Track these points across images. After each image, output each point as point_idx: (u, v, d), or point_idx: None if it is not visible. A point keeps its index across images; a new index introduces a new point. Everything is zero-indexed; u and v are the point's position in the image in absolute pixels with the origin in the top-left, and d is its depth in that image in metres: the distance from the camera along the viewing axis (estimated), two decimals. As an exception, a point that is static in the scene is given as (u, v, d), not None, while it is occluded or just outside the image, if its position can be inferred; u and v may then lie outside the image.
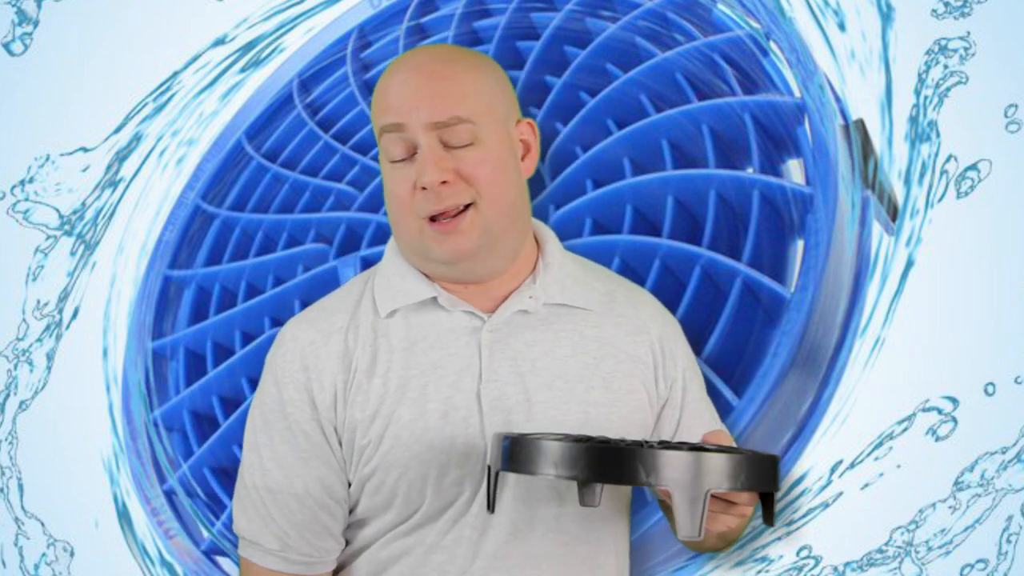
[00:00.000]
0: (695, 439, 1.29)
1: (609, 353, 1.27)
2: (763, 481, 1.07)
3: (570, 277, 1.30)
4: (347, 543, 1.28)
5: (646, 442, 1.10)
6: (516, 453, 1.06)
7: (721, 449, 1.10)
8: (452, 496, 1.21)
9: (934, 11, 1.64)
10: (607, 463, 1.03)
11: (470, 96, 1.21)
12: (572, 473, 1.03)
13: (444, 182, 1.19)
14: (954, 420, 1.60)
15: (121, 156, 2.13)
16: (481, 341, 1.23)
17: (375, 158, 2.11)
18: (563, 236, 1.44)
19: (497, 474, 1.12)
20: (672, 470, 1.02)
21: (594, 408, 1.25)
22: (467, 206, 1.20)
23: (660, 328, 1.33)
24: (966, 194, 1.62)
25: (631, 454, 1.02)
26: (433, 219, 1.20)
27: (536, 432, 1.17)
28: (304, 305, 2.02)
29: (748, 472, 1.05)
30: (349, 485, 1.25)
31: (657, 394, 1.31)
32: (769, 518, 1.11)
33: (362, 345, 1.23)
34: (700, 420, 1.34)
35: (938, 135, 1.64)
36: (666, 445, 1.10)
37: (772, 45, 1.74)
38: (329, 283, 1.99)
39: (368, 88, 2.21)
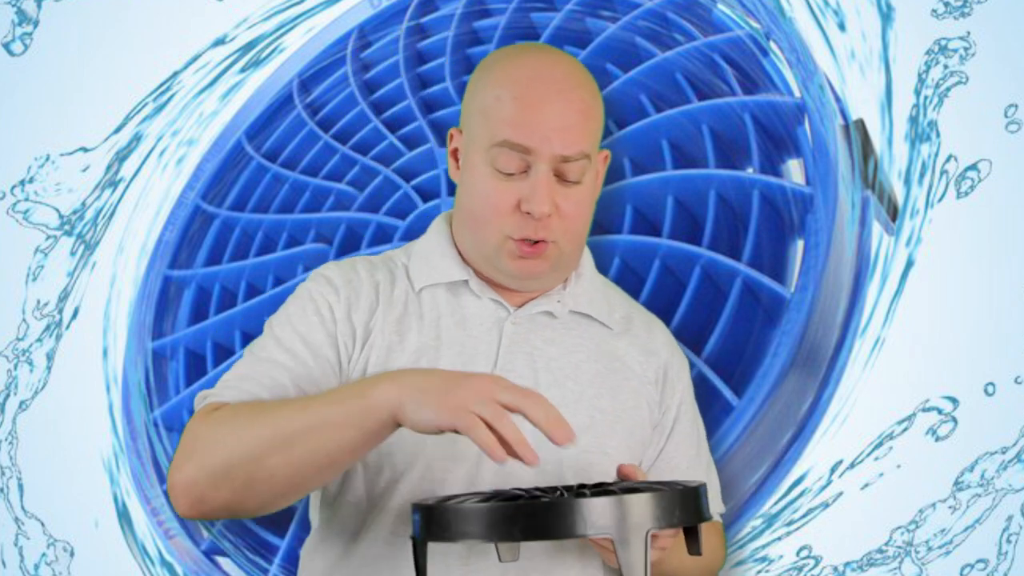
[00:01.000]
0: (673, 472, 1.32)
1: (619, 368, 1.30)
2: (693, 514, 1.02)
3: (598, 292, 1.33)
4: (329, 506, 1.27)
5: (568, 489, 1.06)
6: (431, 523, 1.01)
7: (647, 486, 1.05)
8: (441, 474, 1.20)
9: (934, 11, 1.64)
10: (530, 520, 0.97)
11: (593, 129, 1.22)
12: (496, 536, 0.97)
13: (548, 215, 1.20)
14: (954, 420, 1.60)
15: (121, 156, 2.13)
16: (503, 331, 1.25)
17: (375, 158, 2.11)
18: (563, 236, 1.44)
19: (423, 545, 1.05)
20: (599, 517, 0.97)
21: (600, 414, 1.26)
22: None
23: (668, 356, 1.35)
24: (966, 194, 1.62)
25: (553, 507, 0.96)
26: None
27: (448, 496, 1.12)
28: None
29: (681, 507, 1.00)
30: None
31: (656, 417, 1.33)
32: (695, 548, 1.07)
33: (392, 303, 1.25)
34: (683, 455, 1.35)
35: (938, 135, 1.64)
36: (591, 490, 1.05)
37: (772, 45, 1.74)
38: (329, 283, 1.99)
39: (368, 88, 2.21)
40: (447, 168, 1.32)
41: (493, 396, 1.01)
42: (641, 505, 0.98)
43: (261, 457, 1.08)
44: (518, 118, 1.19)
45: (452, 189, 1.96)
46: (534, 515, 0.96)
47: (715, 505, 1.38)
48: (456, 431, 1.01)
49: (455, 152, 1.28)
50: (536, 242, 1.21)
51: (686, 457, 1.36)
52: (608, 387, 1.28)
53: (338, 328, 1.23)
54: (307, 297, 1.25)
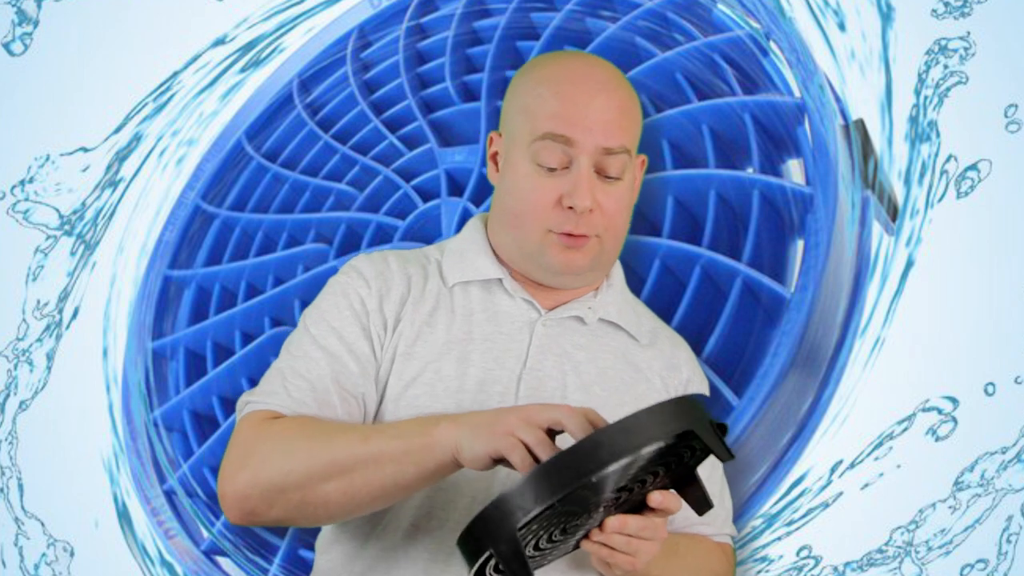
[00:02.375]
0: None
1: (643, 379, 1.31)
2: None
3: (628, 304, 1.35)
4: None
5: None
6: (493, 526, 0.96)
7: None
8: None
9: (934, 11, 1.64)
10: (605, 445, 0.95)
11: (633, 126, 1.24)
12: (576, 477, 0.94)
13: (591, 210, 1.21)
14: (954, 420, 1.60)
15: (121, 156, 2.13)
16: (534, 331, 1.26)
17: (375, 158, 2.11)
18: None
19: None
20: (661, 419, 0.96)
21: None
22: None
23: (690, 373, 1.37)
24: (966, 194, 1.62)
25: (622, 425, 0.96)
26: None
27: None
28: (304, 305, 2.02)
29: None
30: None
31: None
32: (701, 500, 1.06)
33: (424, 295, 1.26)
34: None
35: (938, 135, 1.64)
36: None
37: (772, 45, 1.74)
38: (329, 283, 1.99)
39: (368, 88, 2.21)
40: (485, 172, 1.32)
41: (532, 419, 1.03)
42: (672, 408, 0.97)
43: (317, 483, 1.10)
44: (561, 111, 1.21)
45: (452, 189, 1.96)
46: (605, 439, 0.95)
47: (727, 527, 1.39)
48: (503, 458, 1.03)
49: (495, 156, 1.29)
50: (579, 235, 1.22)
51: (703, 473, 1.36)
52: (632, 396, 1.29)
53: (371, 320, 1.23)
54: (339, 292, 1.26)
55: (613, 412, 1.25)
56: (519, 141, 1.24)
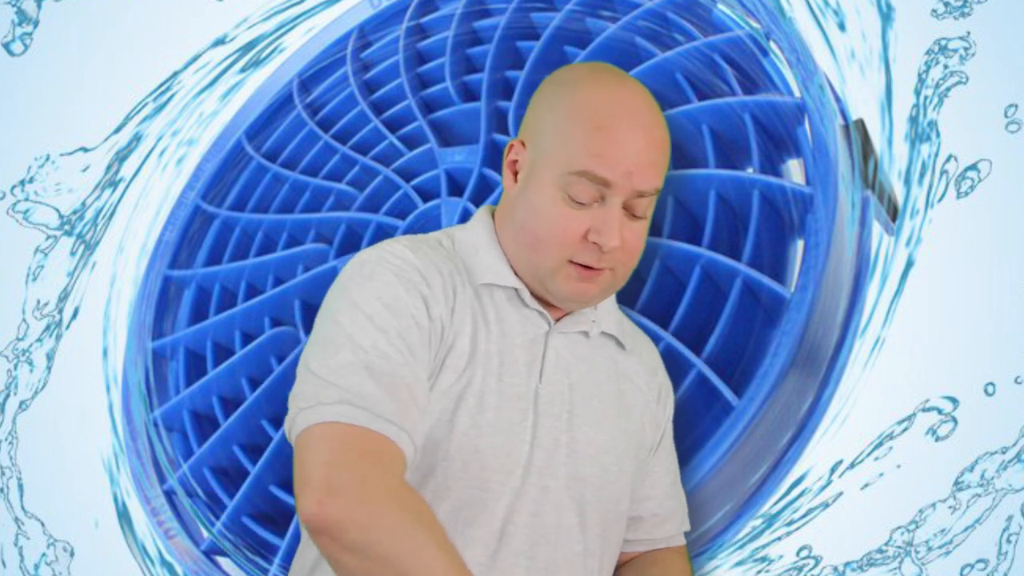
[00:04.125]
0: (654, 486, 1.36)
1: (630, 389, 1.32)
2: None
3: (618, 314, 1.35)
4: None
5: None
6: None
7: None
8: (490, 480, 1.19)
9: (934, 11, 1.64)
10: None
11: (665, 165, 1.22)
12: None
13: (617, 248, 1.20)
14: (954, 420, 1.60)
15: (121, 156, 2.13)
16: (548, 343, 1.25)
17: (375, 158, 2.11)
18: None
19: None
20: None
21: (621, 433, 1.29)
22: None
23: (663, 377, 1.38)
24: (966, 194, 1.62)
25: None
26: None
27: None
28: (304, 305, 2.03)
29: None
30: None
31: (655, 438, 1.36)
32: None
33: (456, 292, 1.21)
34: (664, 469, 1.39)
35: (938, 135, 1.64)
36: None
37: (772, 45, 1.73)
38: (329, 283, 1.99)
39: (368, 88, 2.21)
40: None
41: None
42: None
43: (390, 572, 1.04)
44: (602, 150, 1.17)
45: (452, 189, 1.96)
46: None
47: (684, 525, 1.41)
48: None
49: (513, 164, 1.25)
50: (597, 269, 1.20)
51: (668, 472, 1.39)
52: (624, 406, 1.30)
53: (431, 321, 1.17)
54: (398, 283, 1.16)
55: (612, 425, 1.27)
56: (551, 166, 1.20)
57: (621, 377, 1.31)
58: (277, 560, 1.85)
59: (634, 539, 1.37)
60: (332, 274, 1.98)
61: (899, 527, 1.62)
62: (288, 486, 1.87)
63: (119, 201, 2.14)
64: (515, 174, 1.25)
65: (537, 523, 1.21)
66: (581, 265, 1.20)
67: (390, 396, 1.10)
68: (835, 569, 1.64)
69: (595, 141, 1.18)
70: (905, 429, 1.61)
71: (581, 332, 1.28)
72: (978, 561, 1.60)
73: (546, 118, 1.23)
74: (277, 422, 1.92)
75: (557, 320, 1.27)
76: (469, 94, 2.05)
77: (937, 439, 1.61)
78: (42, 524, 2.05)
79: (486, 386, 1.20)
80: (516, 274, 1.25)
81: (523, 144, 1.25)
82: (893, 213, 1.65)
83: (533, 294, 1.25)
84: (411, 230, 1.96)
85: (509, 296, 1.25)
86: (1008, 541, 1.59)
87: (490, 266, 1.25)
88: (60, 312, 2.10)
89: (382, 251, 1.20)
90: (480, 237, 1.27)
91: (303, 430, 1.09)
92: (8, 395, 2.09)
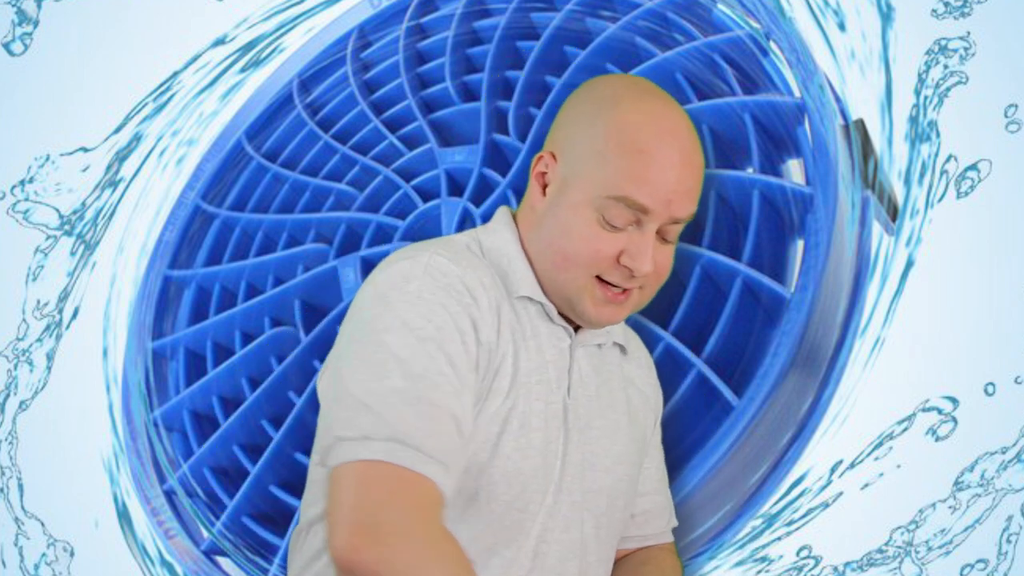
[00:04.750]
0: (644, 483, 1.36)
1: (635, 394, 1.33)
2: None
3: (622, 322, 1.33)
4: None
5: None
6: None
7: None
8: (530, 502, 1.17)
9: (934, 11, 1.64)
10: None
11: (699, 195, 1.20)
12: None
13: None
14: (954, 420, 1.60)
15: (121, 156, 2.13)
16: (573, 356, 1.24)
17: (375, 158, 2.11)
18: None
19: None
20: None
21: (633, 443, 1.29)
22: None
23: (656, 377, 1.40)
24: (966, 194, 1.62)
25: None
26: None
27: None
28: (304, 305, 2.03)
29: None
30: None
31: (652, 439, 1.37)
32: None
33: (506, 316, 1.17)
34: (655, 466, 1.40)
35: (938, 135, 1.64)
36: None
37: (772, 45, 1.74)
38: (329, 283, 1.99)
39: (368, 88, 2.21)
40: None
41: None
42: None
43: None
44: (644, 177, 1.14)
45: (453, 189, 1.96)
46: None
47: (672, 521, 1.42)
48: None
49: (542, 176, 1.21)
50: (625, 290, 1.19)
51: (658, 468, 1.40)
52: (632, 414, 1.31)
53: (479, 351, 1.13)
54: (450, 308, 1.11)
55: (625, 435, 1.27)
56: (585, 187, 1.16)
57: (629, 384, 1.32)
58: (277, 560, 1.85)
59: (626, 536, 1.37)
60: (332, 274, 1.99)
61: (899, 527, 1.62)
62: (288, 486, 1.88)
63: (119, 201, 2.14)
64: (543, 187, 1.21)
65: (567, 538, 1.20)
66: (608, 283, 1.18)
67: (439, 431, 1.05)
68: (835, 569, 1.64)
69: (636, 167, 1.15)
70: (905, 429, 1.61)
71: (596, 344, 1.28)
72: (978, 561, 1.60)
73: (582, 135, 1.18)
74: (277, 422, 1.92)
75: (577, 333, 1.25)
76: (469, 94, 2.05)
77: (937, 439, 1.61)
78: (42, 524, 2.05)
79: (528, 407, 1.17)
80: (542, 288, 1.22)
81: (553, 157, 1.20)
82: (893, 213, 1.65)
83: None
84: (411, 230, 1.96)
85: (538, 310, 1.22)
86: (1008, 541, 1.59)
87: (524, 277, 1.21)
88: (60, 312, 2.11)
89: (427, 266, 1.13)
90: (509, 245, 1.23)
91: (347, 463, 1.04)
92: (8, 395, 2.09)
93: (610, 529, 1.26)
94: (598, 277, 1.18)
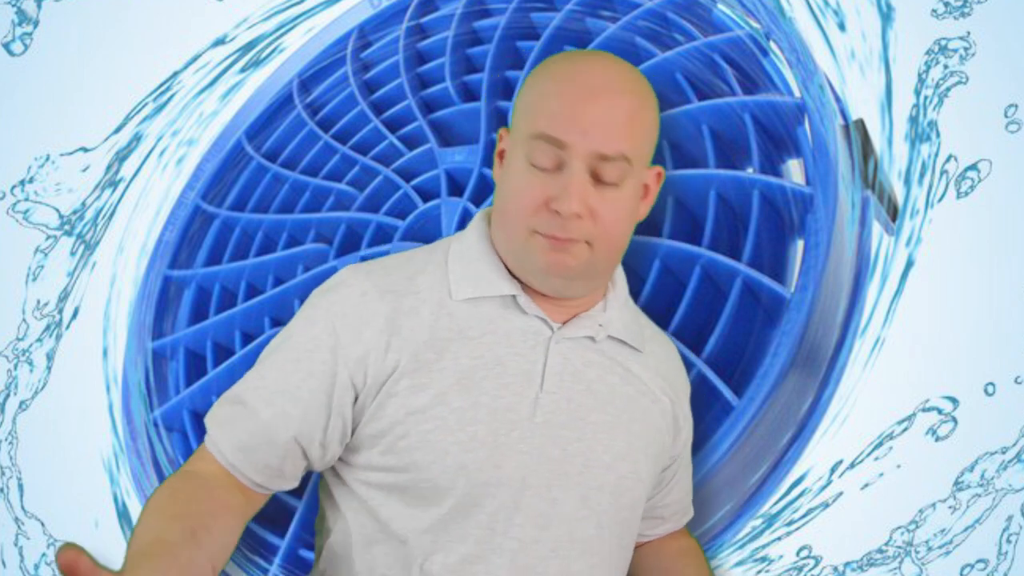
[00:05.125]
0: (678, 492, 1.39)
1: (644, 392, 1.29)
2: None
3: (630, 316, 1.31)
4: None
5: None
6: None
7: None
8: (483, 496, 1.18)
9: (934, 11, 1.64)
10: None
11: (637, 134, 1.18)
12: None
13: (578, 215, 1.16)
14: (954, 420, 1.60)
15: (121, 156, 2.13)
16: (549, 350, 1.22)
17: (375, 158, 2.11)
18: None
19: None
20: None
21: (636, 440, 1.26)
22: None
23: (684, 379, 1.37)
24: (966, 194, 1.62)
25: None
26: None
27: None
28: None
29: None
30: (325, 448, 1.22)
31: (669, 441, 1.34)
32: None
33: (420, 319, 1.20)
34: (684, 471, 1.41)
35: (938, 135, 1.64)
36: None
37: (772, 45, 1.74)
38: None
39: (368, 88, 2.21)
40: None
41: None
42: None
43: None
44: (558, 111, 1.15)
45: (453, 189, 1.96)
46: None
47: (691, 510, 1.44)
48: None
49: (502, 153, 1.24)
50: (564, 239, 1.17)
51: (688, 476, 1.41)
52: (639, 411, 1.27)
53: (338, 365, 1.19)
54: (301, 342, 1.21)
55: (626, 431, 1.25)
56: (519, 138, 1.19)
57: (638, 381, 1.29)
58: (277, 560, 1.85)
59: (651, 534, 1.40)
60: (332, 274, 1.98)
61: (899, 527, 1.62)
62: (288, 486, 1.87)
63: (119, 201, 2.14)
64: (503, 162, 1.25)
65: (547, 536, 1.19)
66: (549, 236, 1.17)
67: (233, 436, 1.20)
68: (835, 569, 1.64)
69: (553, 103, 1.16)
70: (905, 429, 1.61)
71: (587, 337, 1.25)
72: (978, 561, 1.60)
73: (520, 99, 1.22)
74: (277, 422, 1.92)
75: (563, 323, 1.24)
76: (469, 94, 2.05)
77: (937, 439, 1.61)
78: (42, 524, 2.05)
79: (466, 402, 1.17)
80: (516, 278, 1.23)
81: (508, 131, 1.24)
82: (893, 213, 1.65)
83: (540, 296, 1.23)
84: (411, 230, 1.96)
85: (506, 304, 1.22)
86: (1008, 541, 1.59)
87: (481, 277, 1.22)
88: (60, 312, 2.11)
89: (322, 294, 1.24)
90: (472, 245, 1.25)
91: None
92: (8, 395, 2.09)
93: (618, 530, 1.25)
94: (536, 232, 1.18)
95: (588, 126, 1.15)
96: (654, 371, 1.31)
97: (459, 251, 1.26)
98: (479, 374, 1.19)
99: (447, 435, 1.17)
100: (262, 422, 1.17)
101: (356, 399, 1.19)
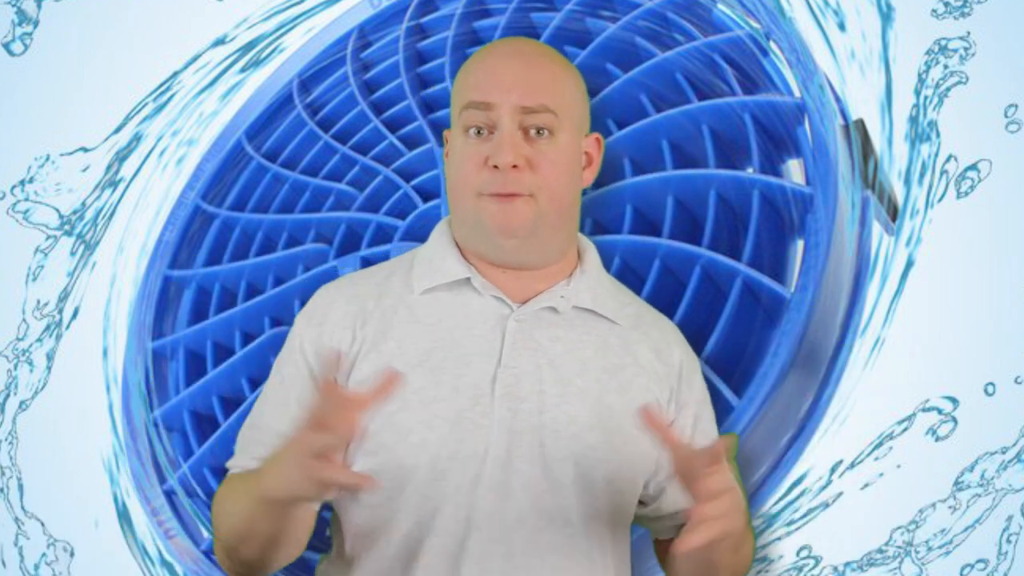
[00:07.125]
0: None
1: (629, 363, 1.30)
2: None
3: (603, 288, 1.34)
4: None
5: None
6: None
7: None
8: (448, 470, 1.22)
9: (934, 11, 1.64)
10: None
11: (559, 91, 1.27)
12: None
13: (515, 166, 1.23)
14: (954, 420, 1.60)
15: (121, 156, 2.13)
16: (506, 328, 1.26)
17: (375, 158, 2.11)
18: (563, 236, 1.44)
19: None
20: None
21: (608, 411, 1.26)
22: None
23: (682, 354, 1.36)
24: (966, 194, 1.62)
25: None
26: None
27: None
28: (304, 305, 2.02)
29: None
30: None
31: (669, 415, 1.33)
32: None
33: (382, 312, 1.28)
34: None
35: (938, 135, 1.64)
36: None
37: (772, 45, 1.74)
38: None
39: (368, 88, 2.21)
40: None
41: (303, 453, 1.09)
42: None
43: (238, 547, 1.25)
44: (481, 78, 1.26)
45: (452, 189, 1.96)
46: None
47: None
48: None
49: (447, 151, 1.33)
50: (507, 194, 1.24)
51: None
52: (617, 383, 1.27)
53: (312, 359, 1.30)
54: (286, 357, 1.33)
55: (596, 402, 1.25)
56: (455, 122, 1.28)
57: (619, 354, 1.29)
58: (277, 560, 1.85)
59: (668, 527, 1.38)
60: (332, 274, 1.98)
61: (899, 527, 1.62)
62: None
63: (119, 201, 2.14)
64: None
65: (511, 507, 1.21)
66: (493, 194, 1.24)
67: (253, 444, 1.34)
68: (835, 569, 1.64)
69: (474, 75, 1.28)
70: (905, 429, 1.62)
71: (548, 309, 1.28)
72: (978, 561, 1.60)
73: (452, 95, 1.32)
74: (277, 422, 1.92)
75: (524, 302, 1.28)
76: (469, 94, 2.05)
77: (937, 439, 1.61)
78: (42, 524, 2.05)
79: (428, 381, 1.23)
80: (472, 264, 1.29)
81: (449, 131, 1.34)
82: (893, 213, 1.65)
83: (499, 277, 1.28)
84: (411, 230, 1.96)
85: (462, 288, 1.28)
86: (1008, 541, 1.59)
87: (436, 267, 1.30)
88: (60, 312, 2.11)
89: (302, 312, 1.34)
90: (432, 242, 1.33)
91: None
92: (8, 395, 2.09)
93: (587, 499, 1.24)
94: (482, 194, 1.25)
95: (511, 84, 1.25)
96: (646, 346, 1.32)
97: (422, 251, 1.34)
98: (439, 355, 1.24)
99: (410, 415, 1.22)
100: (273, 431, 1.30)
101: None
